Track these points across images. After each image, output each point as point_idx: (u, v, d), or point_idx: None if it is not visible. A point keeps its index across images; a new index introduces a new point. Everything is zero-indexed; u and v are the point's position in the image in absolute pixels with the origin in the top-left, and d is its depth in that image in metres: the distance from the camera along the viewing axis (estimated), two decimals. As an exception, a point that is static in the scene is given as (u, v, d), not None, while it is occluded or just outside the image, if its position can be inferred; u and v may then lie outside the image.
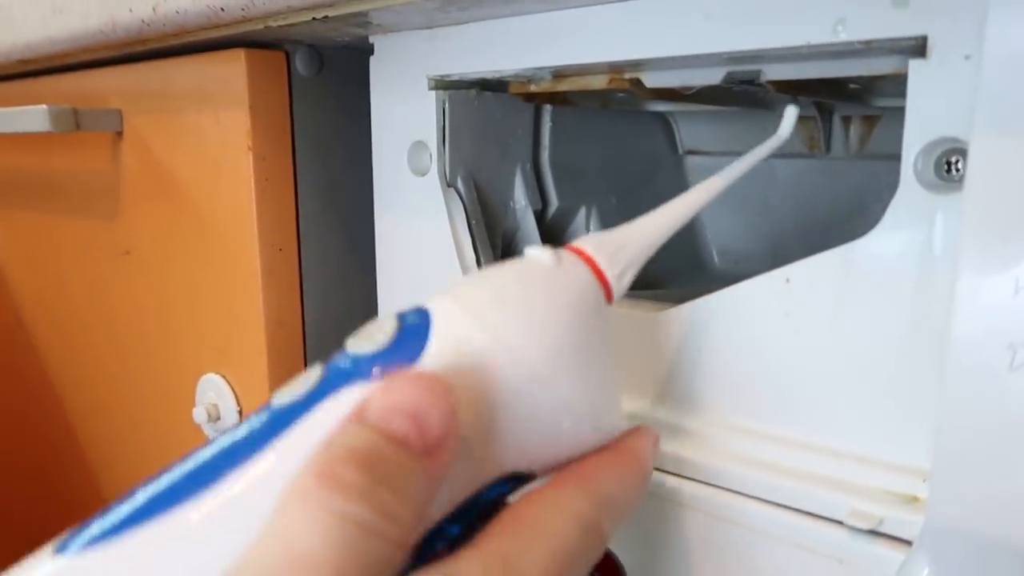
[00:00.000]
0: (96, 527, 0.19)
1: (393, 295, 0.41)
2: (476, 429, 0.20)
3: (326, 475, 0.16)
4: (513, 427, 0.21)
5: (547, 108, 0.44)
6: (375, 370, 0.20)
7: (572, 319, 0.22)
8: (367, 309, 0.43)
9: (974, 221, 0.22)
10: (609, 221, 0.47)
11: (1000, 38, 0.21)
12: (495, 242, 0.41)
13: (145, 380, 0.53)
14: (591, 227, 0.47)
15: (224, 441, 0.20)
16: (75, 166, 0.55)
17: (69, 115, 0.47)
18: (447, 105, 0.38)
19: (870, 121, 0.45)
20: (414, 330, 0.21)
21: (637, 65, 0.33)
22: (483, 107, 0.39)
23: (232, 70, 0.41)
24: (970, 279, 0.22)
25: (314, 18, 0.34)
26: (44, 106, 0.46)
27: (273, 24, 0.35)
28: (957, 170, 0.23)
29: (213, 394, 0.46)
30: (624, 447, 0.23)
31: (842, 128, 0.46)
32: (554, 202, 0.45)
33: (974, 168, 0.22)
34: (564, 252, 0.24)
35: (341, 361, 0.21)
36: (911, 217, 0.24)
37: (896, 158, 0.24)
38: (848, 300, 0.26)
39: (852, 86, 0.37)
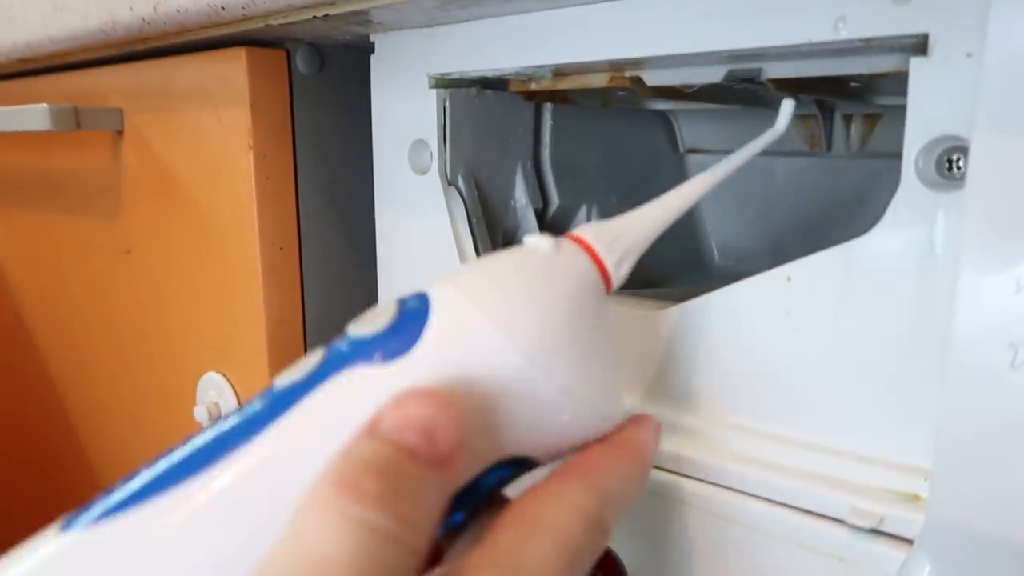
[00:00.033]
0: (101, 505, 0.19)
1: (394, 293, 0.41)
2: (474, 413, 0.20)
3: (344, 483, 0.17)
4: (512, 411, 0.21)
5: (548, 106, 0.44)
6: (376, 353, 0.20)
7: (571, 303, 0.22)
8: (368, 307, 0.43)
9: (975, 219, 0.22)
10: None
11: (1002, 36, 0.21)
12: (496, 240, 0.41)
13: (146, 379, 0.53)
14: (592, 226, 0.47)
15: (227, 422, 0.20)
16: (76, 165, 0.55)
17: (70, 114, 0.47)
18: (448, 103, 0.38)
19: (871, 119, 0.45)
20: (414, 314, 0.21)
21: (638, 63, 0.33)
22: (484, 105, 0.39)
23: (233, 69, 0.41)
24: (971, 277, 0.22)
25: (315, 16, 0.34)
26: (45, 105, 0.46)
27: (274, 23, 0.35)
28: (958, 168, 0.23)
29: (214, 393, 0.46)
30: (625, 438, 0.23)
31: (843, 126, 0.46)
32: (555, 200, 0.45)
33: (975, 166, 0.22)
34: (563, 240, 0.24)
35: (342, 344, 0.21)
36: (912, 215, 0.24)
37: (897, 156, 0.24)
38: (849, 298, 0.26)
39: (853, 84, 0.37)
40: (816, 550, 0.26)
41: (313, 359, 0.21)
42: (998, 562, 0.22)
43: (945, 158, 0.23)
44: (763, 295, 0.28)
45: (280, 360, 0.43)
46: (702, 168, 0.54)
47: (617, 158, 0.49)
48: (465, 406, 0.20)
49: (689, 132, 0.53)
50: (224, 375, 0.46)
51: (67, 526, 0.19)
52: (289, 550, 0.17)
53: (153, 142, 0.47)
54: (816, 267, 0.27)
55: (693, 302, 0.30)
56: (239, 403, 0.45)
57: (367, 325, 0.21)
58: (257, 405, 0.20)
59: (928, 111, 0.24)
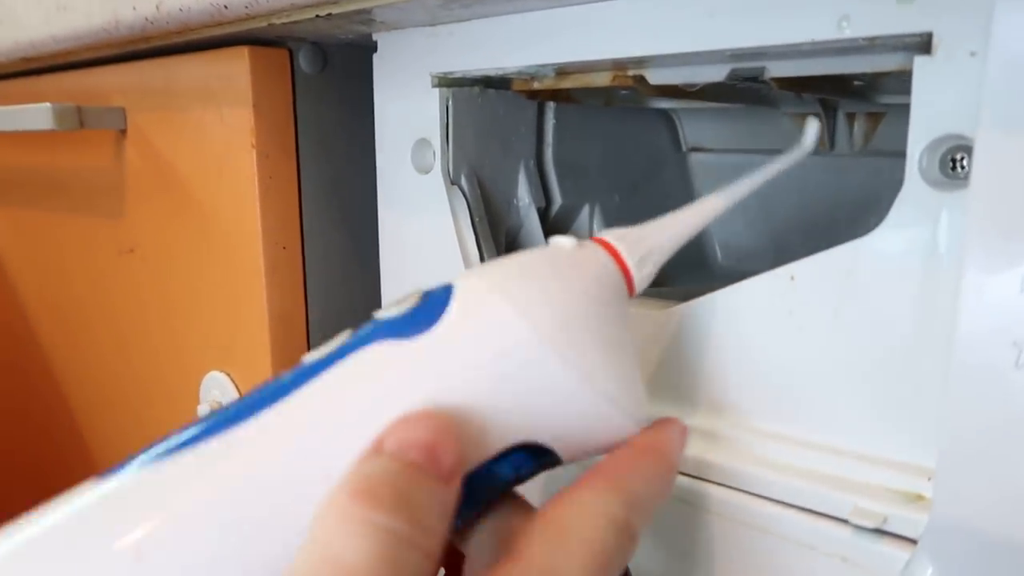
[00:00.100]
0: (136, 459, 0.21)
1: (396, 292, 0.41)
2: (488, 391, 0.21)
3: (360, 491, 0.18)
4: (526, 391, 0.21)
5: (550, 105, 0.44)
6: (399, 330, 0.22)
7: (589, 294, 0.23)
8: (370, 307, 0.43)
9: (979, 219, 0.22)
10: (612, 219, 0.47)
11: (1006, 34, 0.21)
12: (498, 240, 0.41)
13: (149, 378, 0.53)
14: (594, 225, 0.47)
15: (259, 388, 0.22)
16: (79, 164, 0.55)
17: (73, 113, 0.47)
18: (450, 102, 0.38)
19: (875, 118, 0.45)
20: (437, 298, 0.22)
21: (641, 62, 0.32)
22: (486, 104, 0.39)
23: (236, 68, 0.41)
24: (975, 277, 0.22)
25: (318, 15, 0.34)
26: (48, 104, 0.46)
27: (277, 22, 0.35)
28: (962, 167, 0.23)
29: (217, 392, 0.46)
30: (650, 441, 0.23)
31: (846, 125, 0.46)
32: (557, 200, 0.45)
33: (980, 165, 0.22)
34: (588, 241, 0.25)
35: (368, 325, 0.22)
36: (916, 215, 0.24)
37: (901, 155, 0.24)
38: (852, 298, 0.26)
39: (856, 83, 0.37)
40: (819, 549, 0.26)
41: (340, 338, 0.22)
42: (1002, 562, 0.22)
43: (949, 157, 0.23)
44: (766, 294, 0.28)
45: (283, 359, 0.43)
46: (705, 167, 0.54)
47: (620, 157, 0.49)
48: (479, 383, 0.21)
49: (692, 131, 0.53)
50: (227, 374, 0.46)
51: (107, 473, 0.21)
52: (309, 556, 0.17)
53: (156, 141, 0.48)
54: (819, 266, 0.27)
55: (695, 302, 0.30)
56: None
57: (392, 309, 0.23)
58: (286, 377, 0.22)
59: (932, 110, 0.24)
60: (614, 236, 0.25)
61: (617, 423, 0.23)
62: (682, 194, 0.53)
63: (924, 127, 0.24)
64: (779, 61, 0.30)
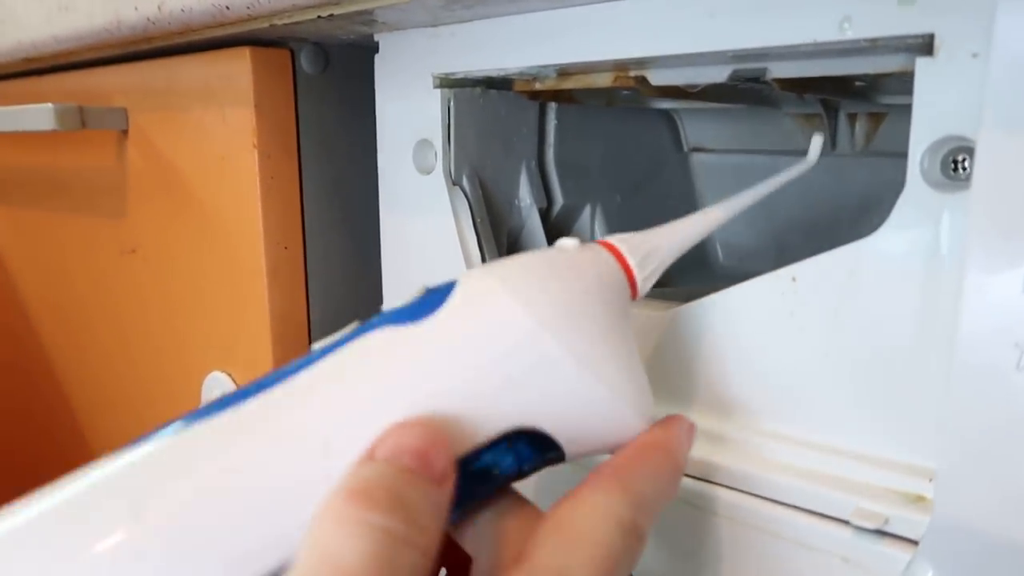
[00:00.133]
0: (160, 431, 0.21)
1: (398, 293, 0.41)
2: (487, 374, 0.21)
3: (356, 493, 0.18)
4: (525, 375, 0.22)
5: (552, 106, 0.44)
6: (403, 318, 0.23)
7: (594, 290, 0.23)
8: (372, 307, 0.43)
9: (981, 220, 0.22)
10: (614, 219, 0.47)
11: (1008, 36, 0.21)
12: (500, 240, 0.41)
13: (151, 378, 0.53)
14: (596, 225, 0.47)
15: (273, 371, 0.23)
16: (80, 164, 0.55)
17: (75, 113, 0.47)
18: (452, 103, 0.38)
19: (876, 118, 0.45)
20: (440, 291, 0.23)
21: (642, 63, 0.32)
22: (488, 105, 0.39)
23: (237, 68, 0.41)
24: (977, 278, 0.22)
25: (319, 16, 0.34)
26: (50, 104, 0.46)
27: (278, 22, 0.35)
28: (964, 169, 0.23)
29: (219, 392, 0.46)
30: (656, 440, 0.23)
31: (848, 125, 0.46)
32: (559, 200, 0.45)
33: (981, 167, 0.22)
34: (593, 243, 0.25)
35: (374, 317, 0.23)
36: (917, 216, 0.24)
37: (902, 155, 0.24)
38: (854, 299, 0.26)
39: (858, 83, 0.37)
40: (820, 550, 0.26)
41: (347, 329, 0.23)
42: (1002, 563, 0.22)
43: (951, 159, 0.23)
44: (767, 295, 0.28)
45: (285, 359, 0.43)
46: (706, 167, 0.54)
47: (621, 157, 0.49)
48: (477, 366, 0.22)
49: (693, 131, 0.53)
50: (229, 374, 0.46)
51: (117, 450, 0.21)
52: (308, 558, 0.17)
53: (158, 141, 0.48)
54: (821, 267, 0.27)
55: (697, 302, 0.30)
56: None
57: (398, 303, 0.24)
58: (294, 362, 0.22)
59: (933, 111, 0.24)
60: (617, 239, 0.25)
61: (622, 416, 0.23)
62: (683, 194, 0.53)
63: (926, 128, 0.24)
64: (781, 62, 0.30)
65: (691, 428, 0.24)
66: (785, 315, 0.28)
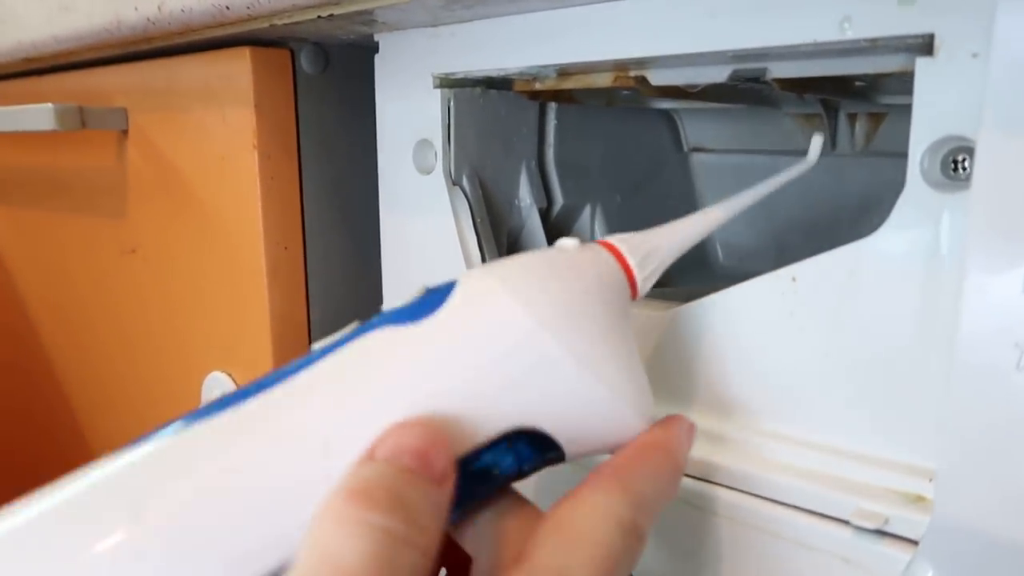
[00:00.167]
0: (161, 430, 0.22)
1: (398, 293, 0.41)
2: (485, 373, 0.22)
3: (356, 493, 0.18)
4: (524, 374, 0.22)
5: (552, 106, 0.44)
6: (402, 318, 0.23)
7: (594, 290, 0.23)
8: (372, 307, 0.43)
9: (981, 220, 0.22)
10: (613, 219, 0.47)
11: (1008, 36, 0.21)
12: (500, 240, 0.41)
13: (151, 378, 0.53)
14: (596, 225, 0.47)
15: (273, 371, 0.23)
16: (81, 164, 0.55)
17: (75, 113, 0.47)
18: (452, 103, 0.38)
19: (876, 118, 0.45)
20: (439, 291, 0.23)
21: (642, 63, 0.32)
22: (488, 105, 0.39)
23: (237, 68, 0.41)
24: (977, 278, 0.22)
25: (319, 16, 0.34)
26: (50, 104, 0.46)
27: (278, 22, 0.35)
28: (964, 169, 0.23)
29: (219, 392, 0.46)
30: (656, 439, 0.23)
31: (848, 125, 0.46)
32: (559, 200, 0.45)
33: (981, 167, 0.22)
34: (593, 243, 0.25)
35: (373, 318, 0.23)
36: (917, 216, 0.24)
37: (902, 155, 0.24)
38: (854, 299, 0.26)
39: (858, 83, 0.37)
40: (820, 550, 0.26)
41: (347, 329, 0.23)
42: (1003, 563, 0.22)
43: (950, 159, 0.23)
44: (767, 295, 0.28)
45: (285, 360, 0.43)
46: (706, 167, 0.54)
47: (621, 157, 0.49)
48: (476, 365, 0.22)
49: (693, 131, 0.53)
50: (229, 374, 0.46)
51: (118, 449, 0.21)
52: (308, 558, 0.17)
53: (158, 141, 0.48)
54: (821, 268, 0.27)
55: (697, 303, 0.30)
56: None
57: (398, 303, 0.24)
58: (294, 362, 0.23)
59: (933, 111, 0.24)
60: (617, 239, 0.25)
61: (622, 416, 0.23)
62: (683, 194, 0.53)
63: (926, 128, 0.24)
64: (781, 62, 0.30)
65: (691, 428, 0.24)
66: (785, 315, 0.28)
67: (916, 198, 0.24)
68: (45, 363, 0.64)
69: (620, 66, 0.33)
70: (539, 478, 0.25)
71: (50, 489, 0.20)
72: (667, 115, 0.52)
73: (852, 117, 0.46)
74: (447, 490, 0.20)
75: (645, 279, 0.25)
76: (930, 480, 0.25)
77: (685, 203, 0.53)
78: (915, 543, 0.24)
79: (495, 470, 0.22)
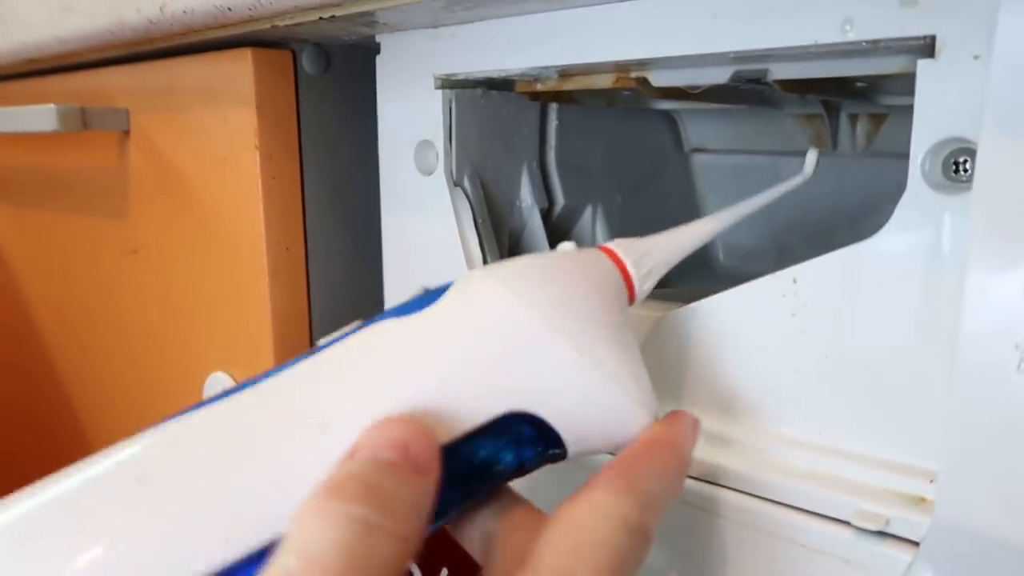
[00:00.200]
0: (176, 416, 0.23)
1: (400, 293, 0.41)
2: (479, 357, 0.22)
3: (331, 487, 0.18)
4: (518, 359, 0.22)
5: (553, 106, 0.44)
6: (401, 311, 0.24)
7: (590, 287, 0.24)
8: (374, 308, 0.43)
9: (983, 222, 0.22)
10: (615, 219, 0.47)
11: (1010, 38, 0.21)
12: (501, 241, 0.41)
13: (153, 378, 0.53)
14: (597, 226, 0.47)
15: (275, 366, 0.24)
16: (82, 165, 0.55)
17: (77, 114, 0.47)
18: (453, 104, 0.38)
19: (877, 119, 0.45)
20: (439, 287, 0.24)
21: (644, 64, 0.33)
22: (489, 106, 0.39)
23: (239, 69, 0.41)
24: (978, 279, 0.22)
25: (321, 18, 0.34)
26: (52, 105, 0.46)
27: (280, 23, 0.35)
28: (965, 170, 0.23)
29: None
30: (660, 437, 0.23)
31: (849, 125, 0.46)
32: (560, 201, 0.45)
33: (983, 168, 0.22)
34: (591, 247, 0.26)
35: (374, 316, 0.24)
36: (919, 218, 0.24)
37: (903, 156, 0.24)
38: (855, 300, 0.26)
39: (859, 84, 0.37)
40: (821, 552, 0.26)
41: (351, 326, 0.24)
42: (1004, 565, 0.22)
43: (952, 160, 0.23)
44: (769, 296, 0.28)
45: (286, 360, 0.43)
46: (707, 167, 0.54)
47: (622, 158, 0.49)
48: (469, 348, 0.22)
49: (694, 131, 0.53)
50: (231, 375, 0.46)
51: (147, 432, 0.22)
52: (284, 551, 0.18)
53: (159, 142, 0.48)
54: (822, 269, 0.27)
55: (698, 304, 0.30)
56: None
57: (398, 304, 0.25)
58: (297, 356, 0.24)
59: (935, 113, 0.24)
60: (615, 244, 0.26)
61: (622, 402, 0.23)
62: (684, 195, 0.53)
63: (927, 130, 0.24)
64: (782, 63, 0.30)
65: (695, 423, 0.24)
66: (786, 316, 0.28)
67: (917, 200, 0.24)
68: (46, 363, 0.64)
69: (621, 67, 0.33)
70: (543, 481, 0.25)
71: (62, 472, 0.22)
72: (668, 116, 0.52)
73: (853, 118, 0.46)
74: (430, 479, 0.20)
75: (643, 284, 0.26)
76: (931, 481, 0.25)
77: (686, 204, 0.53)
78: (916, 544, 0.24)
79: (496, 465, 0.22)
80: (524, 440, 0.22)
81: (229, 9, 0.35)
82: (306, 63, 0.42)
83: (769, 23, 0.26)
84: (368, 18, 0.34)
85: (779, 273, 0.28)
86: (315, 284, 0.44)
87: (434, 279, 0.40)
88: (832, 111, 0.45)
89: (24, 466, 0.71)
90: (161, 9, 0.37)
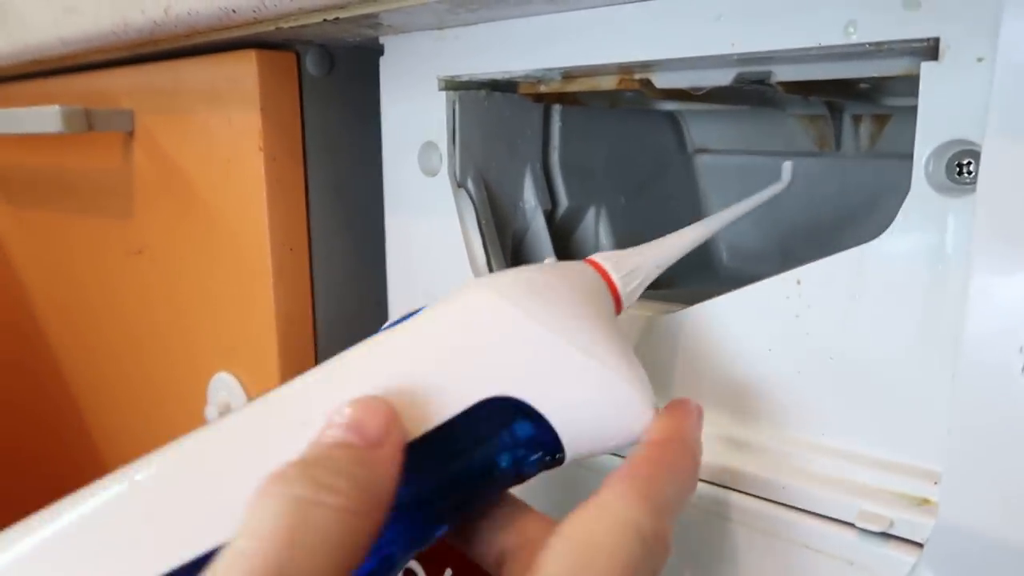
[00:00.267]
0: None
1: (403, 295, 0.41)
2: (462, 347, 0.23)
3: (276, 474, 0.19)
4: (502, 349, 0.23)
5: (556, 108, 0.44)
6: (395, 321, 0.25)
7: (577, 291, 0.24)
8: (377, 308, 0.44)
9: (987, 224, 0.22)
10: (618, 220, 0.47)
11: (1014, 40, 0.21)
12: (505, 242, 0.41)
13: (157, 379, 0.53)
14: (600, 227, 0.47)
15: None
16: (87, 166, 0.55)
17: (81, 115, 0.47)
18: (457, 105, 0.38)
19: (881, 120, 0.45)
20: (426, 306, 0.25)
21: (647, 66, 0.33)
22: (493, 107, 0.39)
23: (243, 70, 0.41)
24: (982, 282, 0.22)
25: (325, 20, 0.34)
26: (56, 107, 0.46)
27: (284, 25, 0.35)
28: (969, 173, 0.23)
29: (225, 393, 0.46)
30: (670, 434, 0.23)
31: (852, 126, 0.46)
32: (563, 202, 0.45)
33: (986, 171, 0.22)
34: (576, 261, 0.26)
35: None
36: (922, 220, 0.24)
37: (907, 157, 0.24)
38: (859, 302, 0.26)
39: (862, 86, 0.37)
40: (825, 553, 0.26)
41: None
42: (1007, 566, 0.23)
43: (955, 163, 0.23)
44: (773, 298, 0.28)
45: (290, 360, 0.44)
46: (711, 168, 0.54)
47: (625, 159, 0.49)
48: (443, 335, 0.23)
49: (697, 132, 0.53)
50: (235, 375, 0.46)
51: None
52: (236, 534, 0.18)
53: (164, 143, 0.48)
54: (826, 270, 0.27)
55: (701, 305, 0.30)
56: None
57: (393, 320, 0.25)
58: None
59: (938, 115, 0.24)
60: (600, 256, 0.27)
61: (623, 394, 0.23)
62: (688, 196, 0.53)
63: (931, 132, 0.24)
64: (786, 65, 0.30)
65: (699, 412, 0.24)
66: (790, 318, 0.28)
67: (921, 202, 0.24)
68: (52, 363, 0.64)
69: (625, 69, 0.33)
70: (546, 485, 0.25)
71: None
72: (671, 116, 0.52)
73: (857, 119, 0.46)
74: (385, 451, 0.20)
75: (629, 294, 0.26)
76: (935, 483, 0.25)
77: (689, 204, 0.53)
78: (920, 546, 0.24)
79: (492, 468, 0.22)
80: (520, 441, 0.22)
81: (233, 11, 0.35)
82: (310, 65, 0.43)
83: (773, 25, 0.26)
84: (372, 20, 0.34)
85: (783, 275, 0.28)
86: (319, 285, 0.45)
87: (437, 280, 0.40)
88: (835, 112, 0.45)
89: (31, 466, 0.71)
90: (165, 11, 0.38)
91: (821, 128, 0.47)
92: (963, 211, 0.24)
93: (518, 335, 0.23)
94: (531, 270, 0.25)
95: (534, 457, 0.23)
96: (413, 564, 0.33)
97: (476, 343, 0.23)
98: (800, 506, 0.27)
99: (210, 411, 0.46)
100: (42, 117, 0.47)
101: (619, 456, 0.30)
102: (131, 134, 0.50)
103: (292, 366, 0.44)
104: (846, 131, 0.46)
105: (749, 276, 0.29)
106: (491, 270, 0.38)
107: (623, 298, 0.26)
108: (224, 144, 0.43)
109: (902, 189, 0.25)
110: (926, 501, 0.25)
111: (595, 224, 0.47)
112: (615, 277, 0.26)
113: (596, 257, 0.27)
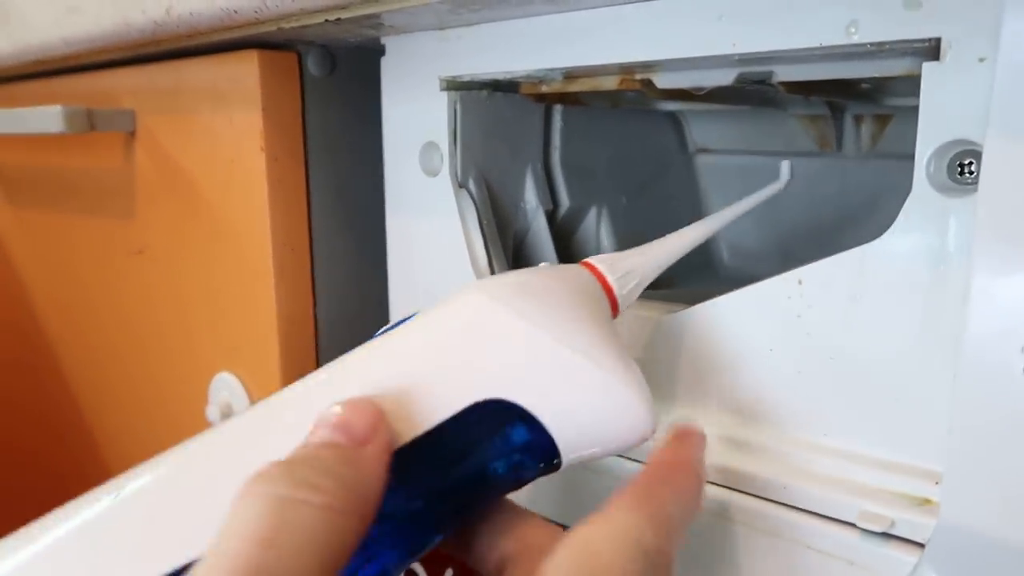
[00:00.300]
0: None
1: (404, 295, 0.41)
2: (452, 349, 0.23)
3: (258, 475, 0.19)
4: (492, 349, 0.23)
5: (557, 108, 0.44)
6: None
7: (573, 293, 0.24)
8: (379, 308, 0.44)
9: (988, 224, 0.22)
10: (619, 221, 0.47)
11: (1015, 40, 0.21)
12: (506, 243, 0.41)
13: (159, 379, 0.53)
14: (601, 227, 0.47)
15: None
16: (89, 166, 0.55)
17: (83, 116, 0.47)
18: (458, 106, 0.38)
19: (882, 120, 0.45)
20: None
21: (649, 66, 0.33)
22: (494, 108, 0.39)
23: (245, 71, 0.41)
24: (984, 282, 0.22)
25: (327, 20, 0.34)
26: (58, 107, 0.46)
27: (286, 26, 0.36)
28: (970, 173, 0.23)
29: (226, 393, 0.46)
30: (677, 458, 0.23)
31: (854, 126, 0.46)
32: (565, 202, 0.45)
33: (988, 171, 0.22)
34: (572, 264, 0.26)
35: None
36: (924, 220, 0.24)
37: (908, 157, 0.24)
38: (860, 302, 0.26)
39: (864, 86, 0.37)
40: (826, 553, 0.26)
41: None
42: (1009, 567, 0.23)
43: (957, 163, 0.23)
44: (774, 298, 0.28)
45: (292, 360, 0.44)
46: (712, 168, 0.54)
47: (627, 159, 0.49)
48: (438, 341, 0.23)
49: (699, 132, 0.53)
50: (236, 375, 0.46)
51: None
52: (219, 534, 0.18)
53: (165, 143, 0.48)
54: (827, 270, 0.27)
55: (702, 305, 0.30)
56: (251, 403, 0.46)
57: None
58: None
59: (940, 115, 0.24)
60: (596, 259, 0.27)
61: (621, 398, 0.23)
62: (689, 196, 0.53)
63: (932, 132, 0.24)
64: (787, 65, 0.30)
65: (704, 439, 0.24)
66: (792, 318, 0.28)
67: (922, 202, 0.24)
68: (54, 363, 0.64)
69: (626, 69, 0.33)
70: (552, 491, 0.25)
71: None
72: (672, 117, 0.52)
73: (858, 119, 0.46)
74: (370, 448, 0.20)
75: (626, 295, 0.26)
76: (936, 483, 0.25)
77: (690, 204, 0.53)
78: (921, 546, 0.24)
79: (488, 473, 0.22)
80: (515, 445, 0.22)
81: (235, 12, 0.35)
82: (311, 65, 0.43)
83: (774, 25, 0.26)
84: (374, 20, 0.34)
85: (784, 275, 0.28)
86: (320, 285, 0.45)
87: (438, 280, 0.40)
88: (837, 112, 0.45)
89: (33, 466, 0.71)
90: (167, 11, 0.38)
91: (822, 128, 0.47)
92: (964, 211, 0.24)
93: (512, 337, 0.22)
94: (525, 273, 0.25)
95: (530, 461, 0.23)
96: (414, 564, 0.33)
97: (470, 346, 0.23)
98: (801, 506, 0.27)
99: (211, 411, 0.46)
100: (44, 117, 0.47)
101: (622, 458, 0.30)
102: (133, 134, 0.50)
103: (293, 366, 0.44)
104: (847, 131, 0.46)
105: (750, 276, 0.30)
106: (492, 271, 0.38)
107: (620, 300, 0.26)
108: (226, 144, 0.43)
109: (903, 189, 0.25)
110: (927, 501, 0.25)
111: (596, 224, 0.47)
112: (611, 279, 0.26)
113: (591, 260, 0.27)
